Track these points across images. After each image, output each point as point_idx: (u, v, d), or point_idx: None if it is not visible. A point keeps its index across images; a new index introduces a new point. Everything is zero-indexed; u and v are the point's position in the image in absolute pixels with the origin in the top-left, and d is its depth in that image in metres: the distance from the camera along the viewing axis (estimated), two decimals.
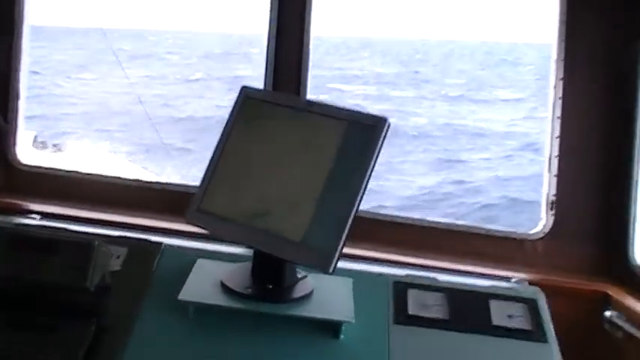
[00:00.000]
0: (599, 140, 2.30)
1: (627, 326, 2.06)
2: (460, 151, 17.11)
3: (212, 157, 1.72)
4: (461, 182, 14.08)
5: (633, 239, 2.29)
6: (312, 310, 1.56)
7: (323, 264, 1.48)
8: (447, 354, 1.54)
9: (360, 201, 1.51)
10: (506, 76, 30.20)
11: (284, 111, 1.66)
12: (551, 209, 2.35)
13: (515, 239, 2.37)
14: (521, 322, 1.62)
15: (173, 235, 1.98)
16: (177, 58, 31.44)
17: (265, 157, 1.65)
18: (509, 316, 1.63)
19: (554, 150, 2.32)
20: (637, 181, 2.27)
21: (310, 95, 2.45)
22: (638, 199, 2.28)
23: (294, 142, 1.62)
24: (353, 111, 1.59)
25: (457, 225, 2.42)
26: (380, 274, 1.79)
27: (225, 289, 1.61)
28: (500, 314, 1.64)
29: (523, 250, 2.37)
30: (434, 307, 1.65)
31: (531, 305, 1.67)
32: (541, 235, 2.36)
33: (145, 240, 1.83)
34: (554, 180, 2.33)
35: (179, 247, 1.84)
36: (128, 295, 1.61)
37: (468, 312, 1.64)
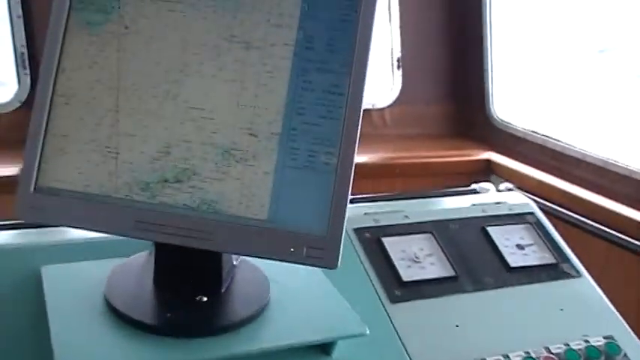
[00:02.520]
0: None
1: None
2: None
3: (41, 82, 0.83)
4: None
5: (492, 93, 1.95)
6: (293, 330, 0.88)
7: (319, 256, 0.79)
8: (471, 329, 1.00)
9: (360, 121, 0.82)
10: None
11: None
12: (398, 69, 1.87)
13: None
14: (536, 252, 1.14)
15: None
16: None
17: (154, 74, 0.82)
18: (520, 247, 1.14)
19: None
20: (490, 27, 1.91)
21: None
22: (491, 46, 1.92)
23: (207, 37, 0.82)
24: None
25: None
26: None
27: (117, 316, 0.83)
28: (509, 249, 1.13)
29: (371, 122, 1.88)
30: (427, 259, 1.08)
31: (534, 223, 1.19)
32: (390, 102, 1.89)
33: None
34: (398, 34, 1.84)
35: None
36: None
37: (472, 256, 1.10)
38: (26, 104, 1.62)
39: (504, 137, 1.92)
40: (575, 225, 1.64)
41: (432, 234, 1.09)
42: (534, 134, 1.89)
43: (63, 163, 0.81)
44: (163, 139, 0.80)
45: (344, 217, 0.78)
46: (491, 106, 1.95)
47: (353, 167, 0.79)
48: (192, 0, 0.82)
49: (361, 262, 1.03)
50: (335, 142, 0.79)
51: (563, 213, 1.67)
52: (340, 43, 0.80)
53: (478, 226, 1.14)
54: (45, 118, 0.81)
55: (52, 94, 0.82)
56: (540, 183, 1.75)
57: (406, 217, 1.12)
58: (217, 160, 0.79)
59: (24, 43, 1.66)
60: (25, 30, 1.65)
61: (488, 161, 1.85)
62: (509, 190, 1.75)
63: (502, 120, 1.95)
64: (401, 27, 1.88)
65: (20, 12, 1.66)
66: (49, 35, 0.83)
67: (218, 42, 0.81)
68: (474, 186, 1.31)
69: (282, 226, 0.78)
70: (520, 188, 1.77)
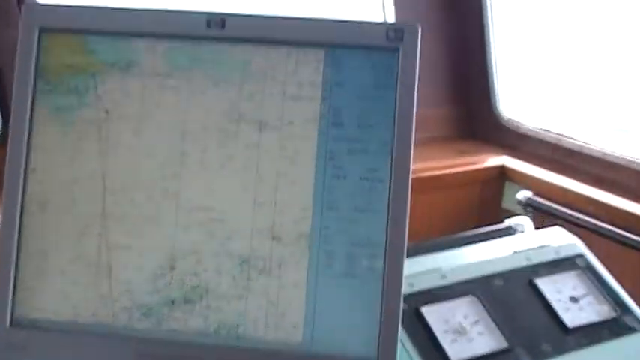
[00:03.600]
0: None
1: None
2: None
3: (7, 186, 0.66)
4: None
5: (497, 92, 1.81)
6: None
7: None
8: None
9: (408, 212, 0.66)
10: None
11: (156, 48, 0.67)
12: None
13: None
14: (592, 304, 1.01)
15: None
16: None
17: (147, 169, 0.66)
18: (574, 300, 1.00)
19: None
20: (492, 25, 1.76)
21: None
22: (494, 44, 1.77)
23: (208, 119, 0.66)
24: (325, 22, 0.67)
25: None
26: None
27: None
28: (562, 303, 1.00)
29: None
30: (474, 329, 0.94)
31: (585, 267, 1.05)
32: None
33: None
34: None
35: None
36: None
37: (523, 318, 0.97)
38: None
39: (514, 137, 1.78)
40: (604, 235, 1.51)
41: (476, 296, 0.95)
42: (546, 133, 1.76)
43: (43, 288, 0.65)
44: (165, 249, 0.65)
45: (397, 334, 0.63)
46: (498, 106, 1.80)
47: (403, 270, 0.64)
48: (187, 72, 0.66)
49: (401, 342, 0.89)
50: (379, 241, 0.64)
51: (589, 222, 1.54)
52: (376, 115, 0.65)
53: (525, 280, 1.00)
54: (16, 231, 0.65)
55: (23, 200, 0.66)
56: (559, 188, 1.62)
57: (444, 276, 0.97)
58: (235, 273, 0.64)
59: None
60: None
61: (502, 167, 1.71)
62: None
63: (510, 119, 1.81)
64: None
65: None
66: (12, 126, 0.66)
67: (223, 124, 0.65)
68: (507, 222, 1.16)
69: (321, 351, 0.63)
70: (538, 195, 1.64)
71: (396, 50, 0.65)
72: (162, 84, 0.66)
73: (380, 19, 1.72)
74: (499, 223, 1.15)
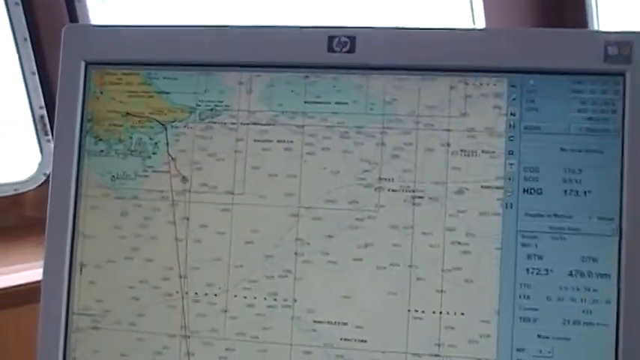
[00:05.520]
0: None
1: None
2: None
3: (46, 294, 0.46)
4: None
5: None
6: None
7: None
8: None
9: None
10: None
11: (252, 85, 0.45)
12: None
13: None
14: None
15: None
16: None
17: (245, 261, 0.45)
18: None
19: None
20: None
21: None
22: None
23: (336, 185, 0.44)
24: (506, 34, 0.53)
25: None
26: None
27: None
28: None
29: None
30: None
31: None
32: None
33: None
34: None
35: None
36: None
37: None
38: None
39: None
40: None
41: None
42: None
43: None
44: None
45: None
46: None
47: None
48: (299, 118, 0.45)
49: None
50: None
51: None
52: (591, 175, 0.42)
53: None
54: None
55: (67, 312, 0.45)
56: None
57: None
58: None
59: (42, 103, 1.28)
60: (42, 87, 1.28)
61: None
62: None
63: None
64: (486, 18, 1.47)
65: (34, 67, 1.28)
66: (50, 207, 0.46)
67: (356, 194, 0.44)
68: None
69: None
70: None
71: (621, 75, 0.42)
72: (262, 136, 0.45)
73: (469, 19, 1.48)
74: None
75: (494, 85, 0.43)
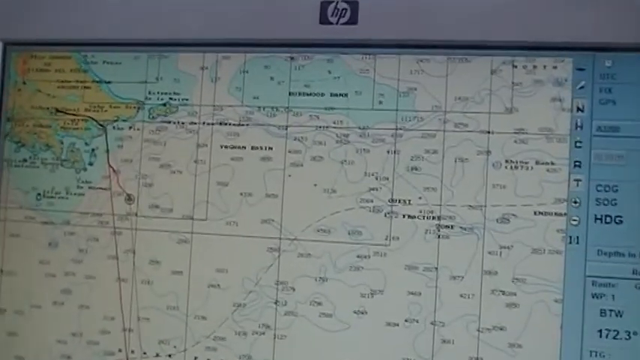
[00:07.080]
0: None
1: None
2: None
3: None
4: None
5: None
6: None
7: None
8: None
9: None
10: None
11: (220, 69, 0.33)
12: None
13: None
14: None
15: None
16: None
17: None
18: None
19: None
20: None
21: None
22: None
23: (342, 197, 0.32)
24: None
25: None
26: None
27: None
28: None
29: None
30: None
31: None
32: None
33: None
34: None
35: None
36: None
37: None
38: None
39: None
40: None
41: None
42: None
43: None
44: None
45: None
46: None
47: None
48: (282, 114, 0.32)
49: None
50: None
51: None
52: None
53: None
54: None
55: None
56: None
57: None
58: None
59: None
60: None
61: None
62: None
63: None
64: None
65: None
66: None
67: (358, 219, 0.32)
68: None
69: None
70: None
71: None
72: (232, 141, 0.33)
73: None
74: None
75: (554, 67, 0.30)
